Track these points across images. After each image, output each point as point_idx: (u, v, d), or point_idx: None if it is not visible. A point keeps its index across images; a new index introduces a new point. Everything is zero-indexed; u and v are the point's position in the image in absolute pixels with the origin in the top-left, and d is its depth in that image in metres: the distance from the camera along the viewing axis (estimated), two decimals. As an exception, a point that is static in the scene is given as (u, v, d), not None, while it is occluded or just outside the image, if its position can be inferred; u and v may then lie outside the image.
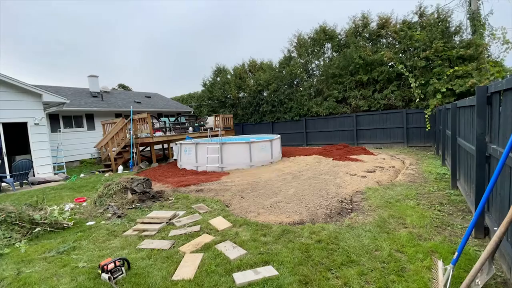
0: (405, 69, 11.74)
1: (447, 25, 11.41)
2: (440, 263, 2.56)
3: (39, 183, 9.22)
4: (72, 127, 13.90)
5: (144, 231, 4.05)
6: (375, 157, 9.56)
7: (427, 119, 11.24)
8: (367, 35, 13.59)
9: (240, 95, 19.29)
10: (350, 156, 9.71)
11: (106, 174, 10.43)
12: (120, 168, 11.18)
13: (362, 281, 2.47)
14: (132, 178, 6.12)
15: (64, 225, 4.43)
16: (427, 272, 2.53)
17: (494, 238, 1.97)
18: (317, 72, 16.07)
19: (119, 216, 4.78)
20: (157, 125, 13.34)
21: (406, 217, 3.88)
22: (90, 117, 14.66)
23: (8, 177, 8.59)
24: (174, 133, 12.89)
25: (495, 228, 2.65)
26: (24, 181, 8.88)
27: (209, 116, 16.72)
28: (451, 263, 2.27)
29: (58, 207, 5.29)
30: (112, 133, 11.70)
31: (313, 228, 3.68)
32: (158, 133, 12.46)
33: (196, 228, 3.98)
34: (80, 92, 16.47)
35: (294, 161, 9.74)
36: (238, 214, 4.51)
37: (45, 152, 9.97)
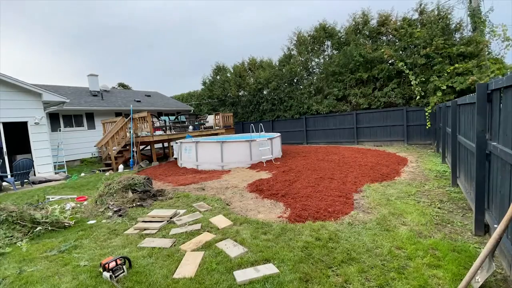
0: (405, 66, 11.70)
1: (448, 22, 11.36)
2: None
3: (40, 182, 9.24)
4: (72, 126, 13.91)
5: (145, 229, 4.06)
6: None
7: (427, 117, 11.23)
8: (367, 33, 13.51)
9: (240, 94, 19.25)
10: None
11: (107, 173, 10.45)
12: (121, 167, 11.20)
13: (363, 278, 2.48)
14: (132, 177, 6.12)
15: (65, 224, 4.45)
16: (427, 269, 2.54)
17: (494, 235, 1.98)
18: (317, 70, 16.01)
19: (120, 215, 4.79)
20: (157, 124, 13.32)
21: (406, 214, 3.89)
22: (90, 116, 14.66)
23: (9, 176, 8.62)
24: (174, 132, 12.87)
25: (495, 226, 2.65)
26: (25, 181, 8.89)
27: (209, 114, 16.71)
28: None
29: (59, 206, 5.31)
30: (112, 132, 11.71)
31: (314, 226, 3.69)
32: (158, 132, 12.46)
33: (197, 226, 3.99)
34: (80, 91, 16.47)
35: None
36: (238, 213, 4.52)
37: (45, 151, 9.99)
